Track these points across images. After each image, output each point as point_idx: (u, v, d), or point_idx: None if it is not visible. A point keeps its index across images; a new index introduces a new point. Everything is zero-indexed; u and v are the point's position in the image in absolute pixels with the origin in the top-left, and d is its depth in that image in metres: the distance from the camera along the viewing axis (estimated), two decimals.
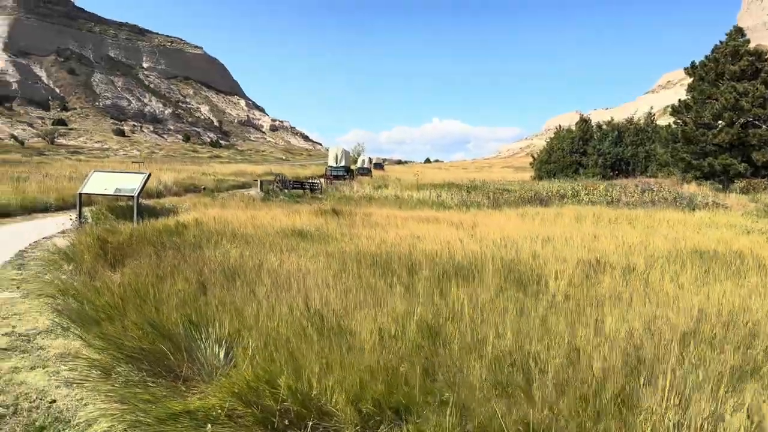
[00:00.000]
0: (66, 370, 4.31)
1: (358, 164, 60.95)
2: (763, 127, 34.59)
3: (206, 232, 9.21)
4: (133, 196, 11.77)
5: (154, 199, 18.63)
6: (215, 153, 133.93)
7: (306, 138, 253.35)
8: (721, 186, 34.42)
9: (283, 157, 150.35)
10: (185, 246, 7.81)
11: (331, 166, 40.77)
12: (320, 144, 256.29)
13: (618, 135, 54.29)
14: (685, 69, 38.65)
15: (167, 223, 10.35)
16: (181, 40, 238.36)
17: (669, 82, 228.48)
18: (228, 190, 29.87)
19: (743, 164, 34.34)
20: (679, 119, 37.86)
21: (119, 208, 12.68)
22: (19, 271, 8.03)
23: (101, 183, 12.04)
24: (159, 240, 8.06)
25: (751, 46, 37.13)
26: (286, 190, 24.01)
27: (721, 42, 36.45)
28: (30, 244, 10.40)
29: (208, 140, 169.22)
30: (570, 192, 22.15)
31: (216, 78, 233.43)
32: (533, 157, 61.07)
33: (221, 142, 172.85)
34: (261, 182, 25.10)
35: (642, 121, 56.78)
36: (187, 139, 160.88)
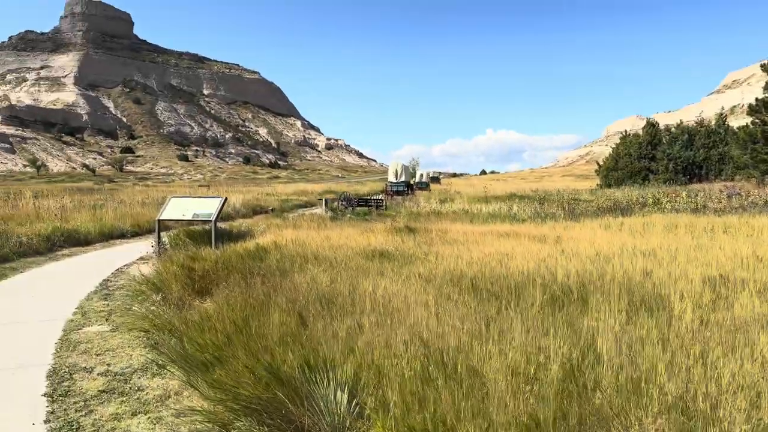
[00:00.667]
0: (170, 416, 3.99)
1: (416, 179, 60.49)
2: None
3: (288, 256, 8.92)
4: (210, 221, 11.68)
5: (227, 222, 18.70)
6: (274, 173, 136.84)
7: (360, 155, 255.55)
8: None
9: (339, 175, 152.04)
10: (271, 272, 7.51)
11: (391, 182, 40.44)
12: (374, 160, 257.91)
13: (688, 138, 51.83)
14: (761, 65, 36.50)
15: (247, 246, 10.15)
16: (239, 66, 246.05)
17: (735, 81, 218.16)
18: (292, 209, 30.02)
19: None
20: (758, 119, 35.69)
21: (196, 232, 12.63)
22: (106, 302, 7.93)
23: (179, 208, 12.02)
24: (245, 266, 7.79)
25: None
26: (351, 208, 23.81)
27: None
28: (113, 272, 10.41)
29: (267, 161, 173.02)
30: (651, 200, 20.97)
31: (273, 101, 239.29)
32: (598, 164, 59.08)
33: (279, 162, 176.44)
34: (325, 201, 24.96)
35: (713, 123, 54.10)
36: (247, 161, 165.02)
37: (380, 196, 33.11)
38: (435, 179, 76.09)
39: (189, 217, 11.88)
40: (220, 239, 11.76)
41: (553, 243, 11.82)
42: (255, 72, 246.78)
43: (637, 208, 20.49)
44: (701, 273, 7.10)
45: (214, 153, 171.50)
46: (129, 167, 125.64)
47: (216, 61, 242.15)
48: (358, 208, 23.73)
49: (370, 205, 24.23)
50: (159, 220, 12.08)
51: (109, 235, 16.13)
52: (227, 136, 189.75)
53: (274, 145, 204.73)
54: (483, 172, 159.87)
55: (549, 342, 4.21)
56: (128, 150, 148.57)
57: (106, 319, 6.95)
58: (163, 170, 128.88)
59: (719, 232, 13.55)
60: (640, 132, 58.19)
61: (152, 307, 6.71)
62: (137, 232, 17.34)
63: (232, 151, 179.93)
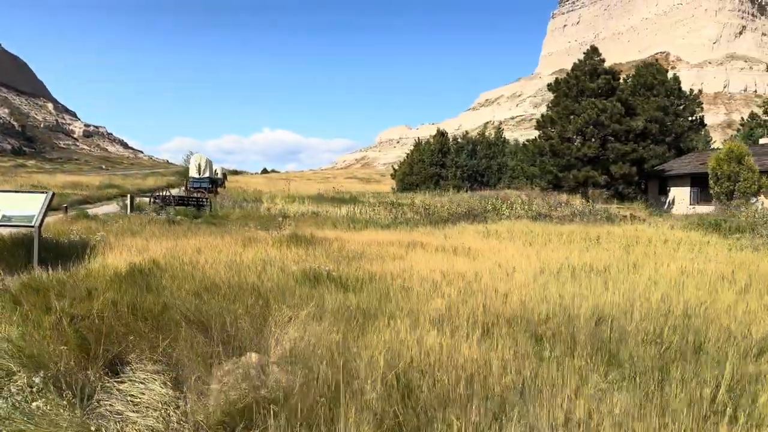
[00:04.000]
0: None
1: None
2: (617, 143, 37.03)
3: (208, 286, 6.04)
4: (32, 227, 7.91)
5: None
6: (19, 162, 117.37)
7: (126, 145, 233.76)
8: (581, 196, 36.32)
9: (103, 167, 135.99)
10: (228, 313, 4.72)
11: (194, 178, 35.76)
12: (141, 152, 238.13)
13: (473, 148, 55.95)
14: (548, 85, 40.43)
15: (116, 266, 6.88)
16: None
17: (487, 100, 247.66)
18: (75, 206, 24.62)
19: (603, 176, 36.51)
20: (544, 133, 39.35)
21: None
22: None
23: None
24: (187, 308, 4.84)
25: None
26: (168, 208, 19.94)
27: (580, 60, 38.56)
28: None
29: (9, 147, 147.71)
30: (490, 206, 21.14)
31: (17, 77, 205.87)
32: (394, 168, 60.97)
33: (25, 149, 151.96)
34: (131, 197, 20.65)
35: (492, 136, 59.30)
36: None
37: (205, 195, 28.08)
38: (224, 176, 71.71)
39: None
40: (45, 254, 8.08)
41: (465, 255, 10.47)
42: None
43: (482, 214, 20.42)
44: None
45: None
46: None
47: None
48: (177, 207, 19.96)
49: (192, 205, 20.60)
50: None
51: None
52: None
53: (17, 128, 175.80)
54: (264, 171, 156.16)
55: None
56: None
57: None
58: None
59: (599, 242, 13.52)
60: (409, 140, 61.72)
61: (34, 403, 3.59)
62: None
63: None
